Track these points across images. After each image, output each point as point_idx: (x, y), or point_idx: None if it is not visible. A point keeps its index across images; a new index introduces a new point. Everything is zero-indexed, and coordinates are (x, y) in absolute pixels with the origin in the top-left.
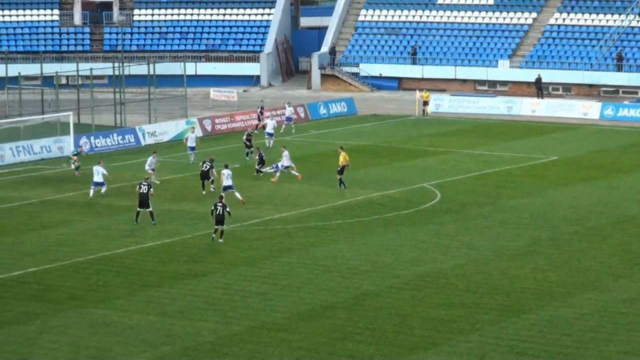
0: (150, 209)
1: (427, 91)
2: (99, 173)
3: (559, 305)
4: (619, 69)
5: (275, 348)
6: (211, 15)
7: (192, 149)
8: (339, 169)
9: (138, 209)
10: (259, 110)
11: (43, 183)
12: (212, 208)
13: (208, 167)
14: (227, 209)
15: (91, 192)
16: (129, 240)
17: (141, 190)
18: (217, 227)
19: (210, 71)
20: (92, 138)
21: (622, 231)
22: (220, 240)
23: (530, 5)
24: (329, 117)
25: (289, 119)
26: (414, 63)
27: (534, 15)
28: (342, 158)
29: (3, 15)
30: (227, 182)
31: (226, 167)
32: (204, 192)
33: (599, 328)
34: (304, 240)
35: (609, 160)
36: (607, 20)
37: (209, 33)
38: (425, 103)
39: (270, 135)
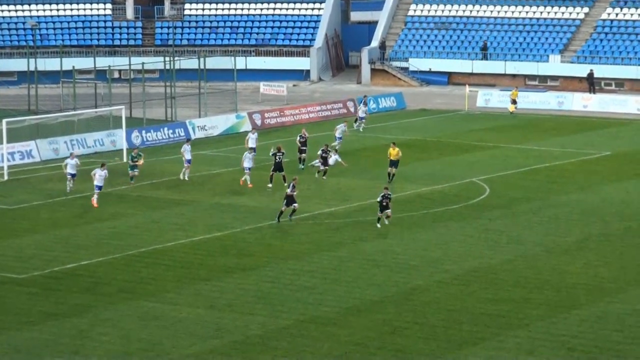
0: (296, 204)
1: (516, 89)
2: (72, 166)
3: (610, 301)
4: None
5: (323, 342)
6: (261, 9)
7: (253, 150)
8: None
9: (283, 208)
10: (361, 104)
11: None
12: (380, 199)
13: (281, 157)
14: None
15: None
16: (179, 233)
17: (288, 192)
18: (381, 214)
19: (260, 65)
20: (143, 132)
21: None
22: (386, 223)
23: (582, 0)
24: (379, 112)
25: (362, 118)
26: (484, 58)
27: (586, 10)
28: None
29: (58, 10)
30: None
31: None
32: (269, 186)
33: None
34: (353, 235)
35: None
36: None
37: (259, 28)
38: (514, 101)
39: (339, 139)
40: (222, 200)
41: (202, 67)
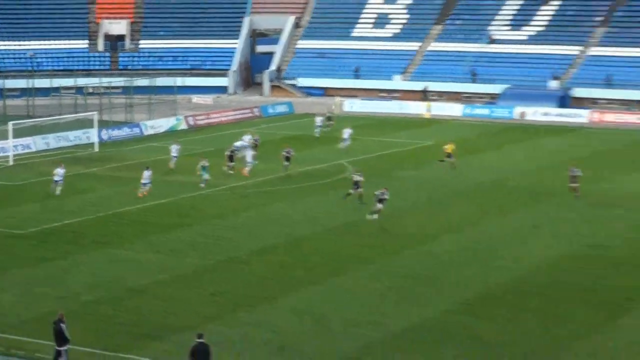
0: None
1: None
2: (60, 174)
3: (431, 245)
4: (474, 81)
5: (238, 276)
6: (195, 44)
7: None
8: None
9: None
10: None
11: (75, 162)
12: (378, 194)
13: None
14: None
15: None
16: (136, 200)
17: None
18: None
19: (194, 83)
20: (109, 130)
21: (478, 193)
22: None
23: (416, 37)
24: (276, 115)
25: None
26: (356, 78)
27: (419, 43)
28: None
29: (49, 44)
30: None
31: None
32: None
33: (458, 257)
34: (258, 201)
35: (468, 145)
36: (466, 47)
37: (193, 56)
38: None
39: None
40: (166, 178)
41: (152, 84)
